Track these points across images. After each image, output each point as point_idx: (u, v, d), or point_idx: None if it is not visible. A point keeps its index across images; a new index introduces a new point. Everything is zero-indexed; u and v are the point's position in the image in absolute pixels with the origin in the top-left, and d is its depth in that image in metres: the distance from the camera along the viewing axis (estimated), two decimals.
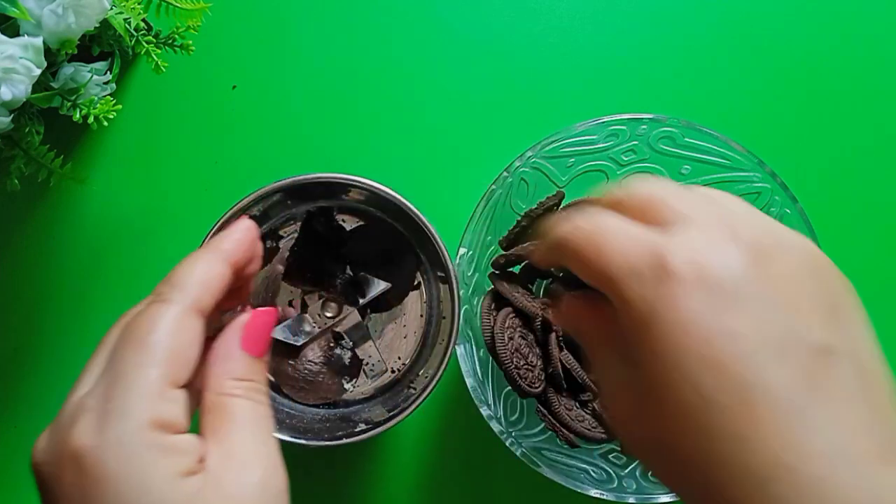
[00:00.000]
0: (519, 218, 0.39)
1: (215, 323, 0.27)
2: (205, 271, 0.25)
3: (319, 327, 0.41)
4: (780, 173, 0.38)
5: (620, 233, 0.24)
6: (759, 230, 0.23)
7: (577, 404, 0.40)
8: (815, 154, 0.48)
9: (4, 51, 0.31)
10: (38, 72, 0.32)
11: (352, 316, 0.41)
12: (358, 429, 0.38)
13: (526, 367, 0.38)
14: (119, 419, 0.22)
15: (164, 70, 0.38)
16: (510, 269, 0.42)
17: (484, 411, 0.38)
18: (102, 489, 0.21)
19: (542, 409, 0.39)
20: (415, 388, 0.40)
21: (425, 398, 0.37)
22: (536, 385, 0.39)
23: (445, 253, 0.38)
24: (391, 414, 0.37)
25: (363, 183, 0.38)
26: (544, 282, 0.44)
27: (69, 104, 0.36)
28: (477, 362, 0.39)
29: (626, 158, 0.40)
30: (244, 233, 0.27)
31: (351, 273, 0.42)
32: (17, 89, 0.32)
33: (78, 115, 0.35)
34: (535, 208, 0.38)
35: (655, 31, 0.49)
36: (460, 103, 0.48)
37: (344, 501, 0.45)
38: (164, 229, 0.47)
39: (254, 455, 0.24)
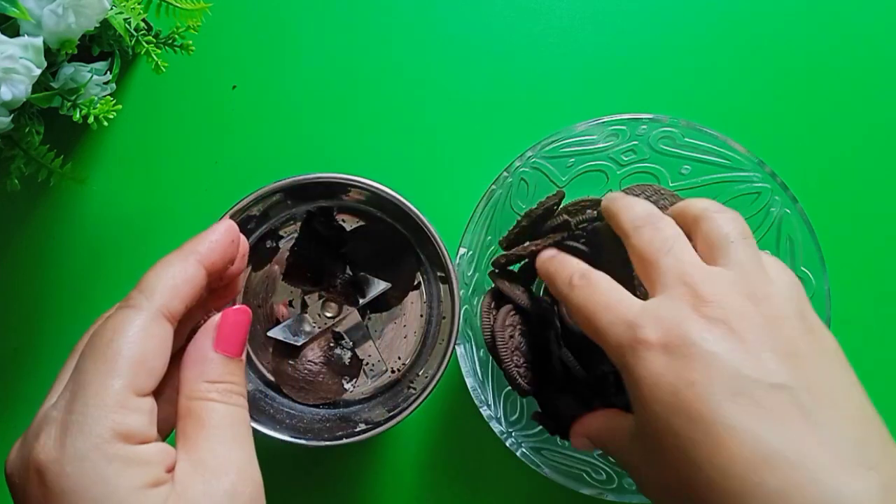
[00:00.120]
0: (519, 218, 0.39)
1: (202, 325, 0.27)
2: (174, 275, 0.25)
3: (319, 327, 0.41)
4: (780, 173, 0.38)
5: (609, 306, 0.30)
6: (721, 295, 0.28)
7: (577, 402, 0.40)
8: (815, 154, 0.48)
9: (4, 51, 0.31)
10: (38, 72, 0.32)
11: (352, 316, 0.41)
12: (358, 429, 0.38)
13: (526, 365, 0.38)
14: (79, 432, 0.21)
15: (164, 70, 0.38)
16: (510, 269, 0.42)
17: (484, 412, 0.38)
18: (65, 503, 0.21)
19: (540, 413, 0.39)
20: (415, 388, 0.40)
21: (425, 398, 0.37)
22: (536, 384, 0.39)
23: (445, 253, 0.38)
24: (391, 414, 0.37)
25: (363, 183, 0.38)
26: (544, 282, 0.44)
27: (69, 104, 0.36)
28: (477, 362, 0.39)
29: (626, 158, 0.41)
30: (222, 234, 0.27)
31: (351, 273, 0.42)
32: (17, 89, 0.32)
33: (78, 115, 0.35)
34: (535, 208, 0.38)
35: (655, 32, 0.49)
36: (460, 103, 0.48)
37: (344, 501, 0.45)
38: (164, 229, 0.47)
39: (224, 461, 0.23)
